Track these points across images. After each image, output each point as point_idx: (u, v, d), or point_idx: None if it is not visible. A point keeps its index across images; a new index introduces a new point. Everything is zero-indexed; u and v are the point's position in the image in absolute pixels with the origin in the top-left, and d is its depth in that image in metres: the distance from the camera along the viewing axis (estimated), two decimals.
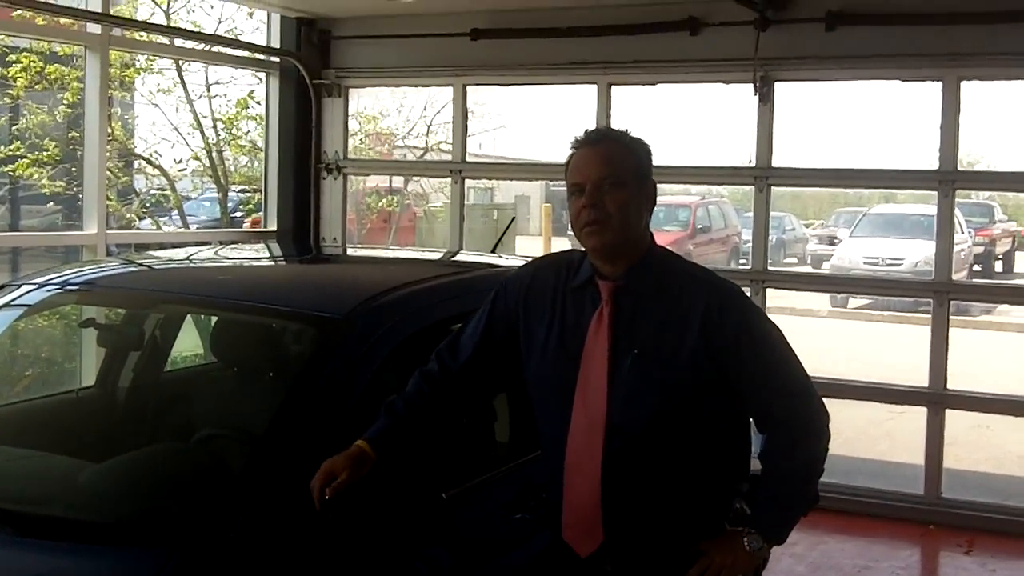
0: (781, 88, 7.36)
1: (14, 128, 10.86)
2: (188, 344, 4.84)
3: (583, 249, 2.89)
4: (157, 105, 11.27)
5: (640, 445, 2.74)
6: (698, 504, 2.85)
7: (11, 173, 10.64)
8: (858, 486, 7.13)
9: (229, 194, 11.85)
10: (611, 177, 2.78)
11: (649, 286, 2.82)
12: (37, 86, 10.12)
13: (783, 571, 5.88)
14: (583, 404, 2.78)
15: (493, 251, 5.19)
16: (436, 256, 5.78)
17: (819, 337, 14.01)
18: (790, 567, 5.99)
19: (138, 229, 11.01)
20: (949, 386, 7.06)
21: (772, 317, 3.00)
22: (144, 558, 2.61)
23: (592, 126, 2.96)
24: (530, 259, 3.25)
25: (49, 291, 3.88)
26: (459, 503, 3.24)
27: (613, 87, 7.79)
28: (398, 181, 15.89)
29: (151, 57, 10.61)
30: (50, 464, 3.28)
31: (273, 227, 8.57)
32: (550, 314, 2.89)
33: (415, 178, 15.29)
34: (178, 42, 8.82)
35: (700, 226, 19.73)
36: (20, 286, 3.90)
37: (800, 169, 7.96)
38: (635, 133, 2.92)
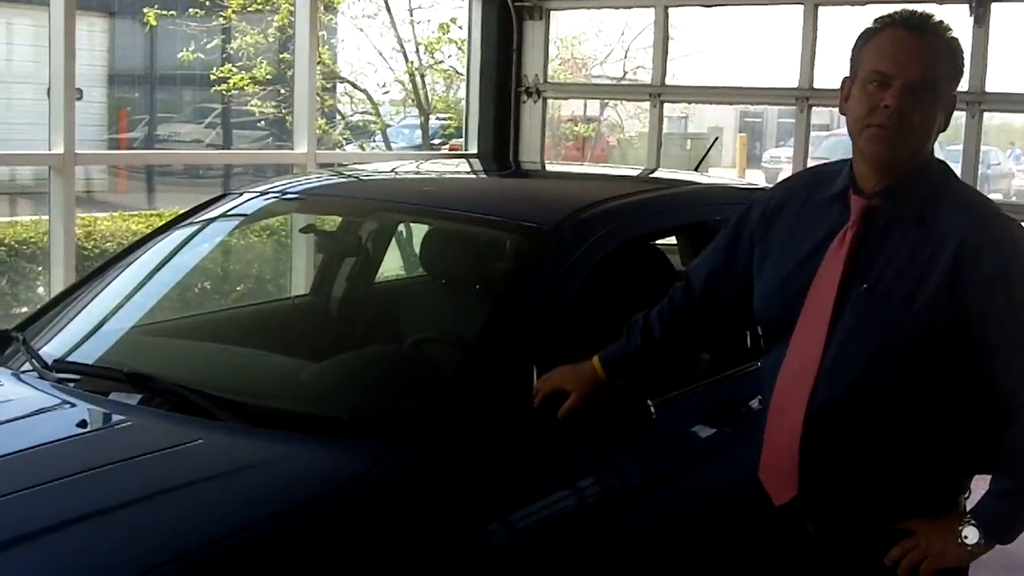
0: (998, 9, 7.02)
1: (227, 47, 11.21)
2: (390, 263, 4.99)
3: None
4: (362, 29, 11.49)
5: (851, 397, 2.38)
6: (917, 477, 2.45)
7: (224, 93, 11.02)
8: None
9: (429, 120, 12.04)
10: (929, 82, 2.32)
11: (909, 209, 2.37)
12: (250, 8, 10.43)
13: None
14: (799, 342, 2.44)
15: (696, 170, 5.15)
16: (636, 173, 5.78)
17: None
18: None
19: (344, 151, 11.31)
20: None
21: None
22: (365, 449, 2.72)
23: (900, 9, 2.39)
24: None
25: (268, 199, 4.04)
26: (659, 412, 3.26)
27: (820, 7, 7.57)
28: (592, 110, 15.84)
29: None
30: (274, 362, 3.44)
31: (473, 150, 8.68)
32: (788, 232, 2.52)
33: (611, 105, 15.21)
34: None
35: None
36: (240, 195, 4.07)
37: (1016, 94, 7.61)
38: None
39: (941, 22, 2.40)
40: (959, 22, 7.01)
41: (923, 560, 2.41)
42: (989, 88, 7.07)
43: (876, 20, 2.42)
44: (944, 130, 2.44)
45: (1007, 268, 2.31)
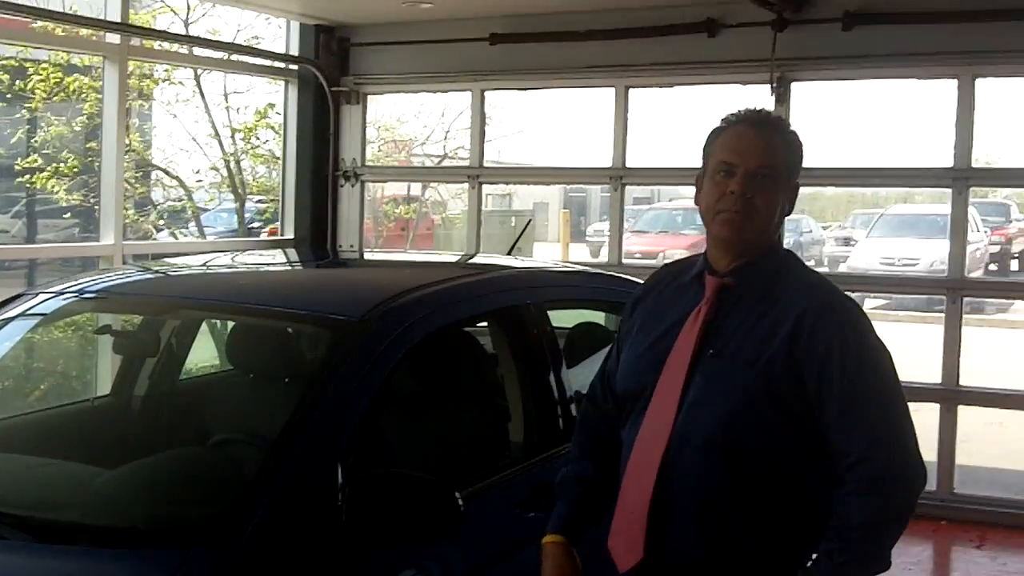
0: (798, 88, 7.41)
1: (32, 141, 10.87)
2: (205, 355, 4.85)
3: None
4: (175, 116, 11.30)
5: (698, 459, 2.49)
6: (758, 544, 2.53)
7: (28, 185, 10.65)
8: None
9: (246, 204, 11.88)
10: (769, 169, 2.55)
11: (757, 288, 2.58)
12: (55, 97, 10.13)
13: None
14: (654, 409, 2.57)
15: (509, 254, 5.18)
16: (452, 259, 5.78)
17: None
18: None
19: (155, 240, 11.02)
20: (962, 383, 7.07)
21: None
22: (156, 560, 2.62)
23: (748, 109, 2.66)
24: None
25: (66, 299, 3.89)
26: (472, 502, 3.22)
27: (631, 90, 7.84)
28: (416, 189, 15.91)
29: (169, 69, 10.64)
30: (66, 471, 3.28)
31: (290, 235, 8.60)
32: (650, 313, 2.71)
33: (433, 185, 15.31)
34: (196, 51, 8.82)
35: None
36: (36, 295, 3.91)
37: (816, 169, 7.90)
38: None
39: (780, 118, 2.73)
40: (761, 102, 7.32)
41: None
42: None
43: (723, 120, 2.66)
44: (789, 214, 2.67)
45: (843, 334, 2.51)
